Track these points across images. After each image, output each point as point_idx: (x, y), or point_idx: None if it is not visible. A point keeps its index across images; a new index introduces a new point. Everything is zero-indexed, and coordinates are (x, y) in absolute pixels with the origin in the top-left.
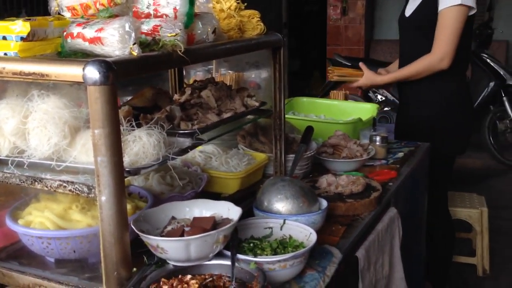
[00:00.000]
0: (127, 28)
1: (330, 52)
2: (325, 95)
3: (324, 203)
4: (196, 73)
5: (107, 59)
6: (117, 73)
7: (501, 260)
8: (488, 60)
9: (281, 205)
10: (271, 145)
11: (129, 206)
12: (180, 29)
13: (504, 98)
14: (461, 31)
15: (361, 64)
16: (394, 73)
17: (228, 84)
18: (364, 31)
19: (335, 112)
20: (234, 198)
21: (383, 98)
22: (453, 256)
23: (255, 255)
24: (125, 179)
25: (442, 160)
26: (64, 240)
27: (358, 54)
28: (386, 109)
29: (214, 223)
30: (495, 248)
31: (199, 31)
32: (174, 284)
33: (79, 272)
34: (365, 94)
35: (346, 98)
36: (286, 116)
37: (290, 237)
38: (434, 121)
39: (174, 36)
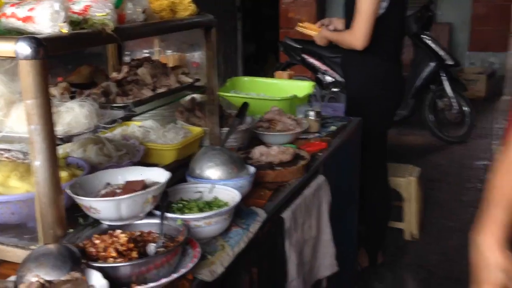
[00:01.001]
0: (56, 8)
1: (283, 35)
2: None
3: (252, 170)
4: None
5: (38, 36)
6: (47, 49)
7: (430, 226)
8: (428, 42)
9: (211, 171)
10: (208, 119)
11: (66, 174)
12: (110, 9)
13: (443, 78)
14: (375, 14)
15: (318, 24)
16: (333, 33)
17: (167, 64)
18: (316, 13)
19: (275, 91)
20: (170, 168)
21: (333, 80)
22: (385, 226)
23: (183, 214)
24: (65, 151)
25: (373, 134)
26: (4, 205)
27: (310, 36)
28: (334, 89)
29: (145, 186)
30: (427, 216)
31: (129, 11)
32: (105, 239)
33: (18, 234)
34: (315, 77)
35: (290, 78)
36: (227, 94)
37: (217, 198)
38: (363, 99)
39: (104, 15)
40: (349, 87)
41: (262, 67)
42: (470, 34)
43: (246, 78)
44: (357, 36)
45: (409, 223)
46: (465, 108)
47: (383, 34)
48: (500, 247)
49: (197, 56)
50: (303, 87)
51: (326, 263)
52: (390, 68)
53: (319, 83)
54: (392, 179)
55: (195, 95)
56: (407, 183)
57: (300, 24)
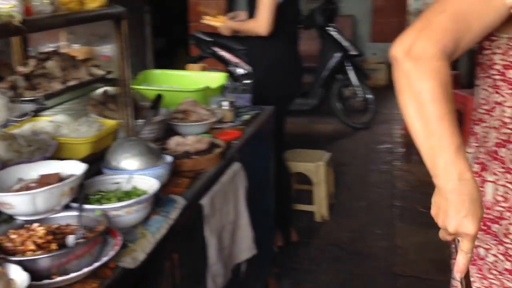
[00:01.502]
0: None
1: (193, 29)
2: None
3: (169, 159)
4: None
5: None
6: None
7: (339, 207)
8: (333, 33)
9: (128, 162)
10: (121, 112)
11: None
12: (16, 1)
13: (348, 68)
14: (275, 2)
15: (224, 17)
16: (238, 23)
17: (76, 57)
18: (225, 6)
19: (187, 83)
20: (84, 161)
21: (244, 72)
22: (291, 205)
23: (101, 205)
24: None
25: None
26: None
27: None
28: (247, 81)
29: (60, 179)
30: (337, 197)
31: (36, 3)
32: (22, 233)
33: None
34: (227, 69)
35: (202, 71)
36: (140, 87)
37: (135, 188)
38: (269, 84)
39: (11, 7)
40: (256, 73)
41: (172, 61)
42: (371, 26)
43: (157, 71)
44: (261, 22)
45: (320, 206)
46: (369, 96)
47: (284, 20)
48: (475, 178)
49: (107, 49)
50: (215, 79)
51: (245, 247)
52: (292, 50)
53: (231, 75)
54: (303, 165)
55: (107, 88)
56: (316, 167)
57: (206, 17)
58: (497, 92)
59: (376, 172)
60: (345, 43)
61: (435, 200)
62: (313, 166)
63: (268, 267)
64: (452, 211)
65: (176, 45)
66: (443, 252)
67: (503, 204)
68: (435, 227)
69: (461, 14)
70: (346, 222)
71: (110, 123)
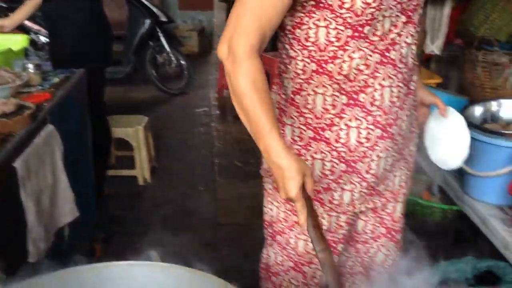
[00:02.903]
0: None
1: None
2: None
3: None
4: None
5: None
6: None
7: (163, 170)
8: (142, 0)
9: None
10: None
11: None
12: None
13: (160, 34)
14: None
15: None
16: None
17: None
18: None
19: None
20: None
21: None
22: (107, 167)
23: None
24: None
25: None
26: None
27: None
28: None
29: None
30: (159, 161)
31: None
32: None
33: None
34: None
35: None
36: None
37: None
38: (67, 53)
39: None
40: (58, 39)
41: None
42: None
43: None
44: None
45: (142, 169)
46: (183, 62)
47: None
48: (289, 152)
49: None
50: (16, 41)
51: (66, 210)
52: (97, 14)
53: (34, 44)
54: (121, 130)
55: None
56: (135, 132)
57: None
58: (291, 49)
59: (195, 134)
60: (154, 9)
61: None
62: (131, 130)
63: (93, 232)
64: (279, 184)
65: None
66: (258, 199)
67: (299, 143)
68: (250, 178)
69: (260, 10)
70: (169, 183)
71: None
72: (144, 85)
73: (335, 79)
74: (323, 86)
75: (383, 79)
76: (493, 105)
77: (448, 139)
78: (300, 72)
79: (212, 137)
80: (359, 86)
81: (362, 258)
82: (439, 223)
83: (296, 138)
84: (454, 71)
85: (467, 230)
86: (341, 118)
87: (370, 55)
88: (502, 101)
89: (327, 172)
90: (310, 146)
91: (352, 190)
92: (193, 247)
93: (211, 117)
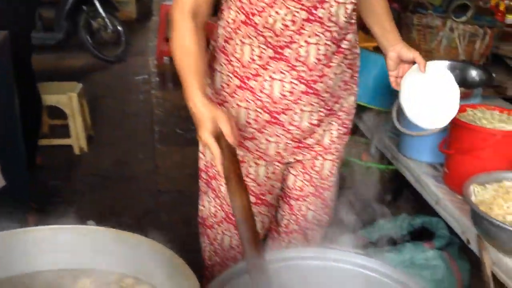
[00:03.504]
0: None
1: None
2: None
3: None
4: None
5: None
6: None
7: (100, 138)
8: None
9: None
10: None
11: None
12: None
13: None
14: None
15: None
16: None
17: None
18: None
19: None
20: None
21: None
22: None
23: None
24: None
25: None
26: None
27: None
28: None
29: None
30: (96, 129)
31: None
32: None
33: None
34: None
35: None
36: None
37: None
38: None
39: None
40: None
41: None
42: None
43: None
44: None
45: (77, 138)
46: (120, 28)
47: None
48: (205, 103)
49: None
50: None
51: None
52: None
53: None
54: (54, 97)
55: None
56: (68, 99)
57: None
58: (224, 0)
59: (134, 102)
60: None
61: None
62: (65, 97)
63: (26, 203)
64: (196, 129)
65: None
66: (197, 165)
67: (226, 90)
68: (190, 145)
69: None
70: (107, 151)
71: None
72: (79, 52)
73: (260, 31)
74: (249, 37)
75: (309, 36)
76: None
77: (432, 95)
78: (230, 21)
79: (151, 105)
80: (285, 41)
81: (296, 216)
82: (377, 183)
83: (224, 85)
84: None
85: (404, 189)
86: (266, 69)
87: (297, 12)
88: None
89: (252, 121)
90: (236, 93)
91: (277, 142)
92: (133, 215)
93: (151, 84)
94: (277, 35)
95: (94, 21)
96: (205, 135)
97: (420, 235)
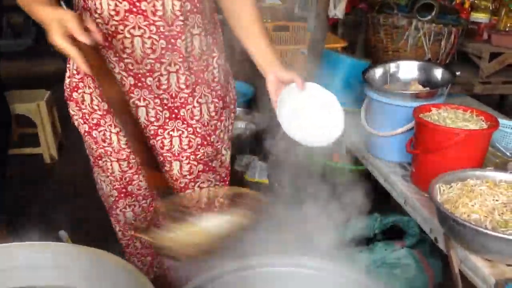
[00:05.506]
0: None
1: None
2: None
3: None
4: None
5: None
6: None
7: (70, 146)
8: None
9: None
10: None
11: None
12: None
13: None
14: None
15: None
16: None
17: None
18: None
19: None
20: None
21: None
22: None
23: None
24: None
25: None
26: None
27: None
28: None
29: None
30: (66, 137)
31: None
32: None
33: None
34: None
35: None
36: None
37: None
38: None
39: None
40: None
41: None
42: None
43: None
44: None
45: (47, 147)
46: None
47: None
48: (45, 7)
49: None
50: None
51: None
52: None
53: None
54: (22, 106)
55: None
56: (36, 107)
57: None
58: None
59: None
60: None
61: None
62: (33, 106)
63: None
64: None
65: None
66: None
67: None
68: None
69: None
70: (79, 159)
71: None
72: (49, 58)
73: (93, 17)
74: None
75: (133, 28)
76: (392, 67)
77: (312, 114)
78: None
79: None
80: (111, 31)
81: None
82: (348, 183)
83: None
84: (360, 34)
85: (374, 188)
86: None
87: (120, 2)
88: (400, 62)
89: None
90: None
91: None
92: (106, 225)
93: None
94: (106, 24)
95: None
96: (56, 38)
97: (392, 234)
